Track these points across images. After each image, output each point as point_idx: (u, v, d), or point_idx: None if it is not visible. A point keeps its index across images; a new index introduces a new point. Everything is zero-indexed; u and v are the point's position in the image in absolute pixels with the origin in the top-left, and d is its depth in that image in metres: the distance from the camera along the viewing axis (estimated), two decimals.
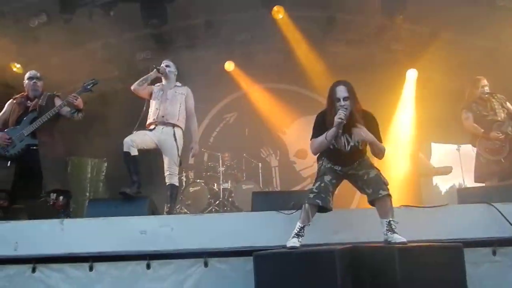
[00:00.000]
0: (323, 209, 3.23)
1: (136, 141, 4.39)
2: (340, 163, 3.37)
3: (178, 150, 4.58)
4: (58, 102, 4.60)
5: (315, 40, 7.46)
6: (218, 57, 7.92)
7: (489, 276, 3.26)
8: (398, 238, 2.95)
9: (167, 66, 4.83)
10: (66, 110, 4.53)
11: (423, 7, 6.42)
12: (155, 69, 4.72)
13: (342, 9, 6.92)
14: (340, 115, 3.14)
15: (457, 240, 3.16)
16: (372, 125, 3.30)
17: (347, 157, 3.33)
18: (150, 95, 4.78)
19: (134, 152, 4.37)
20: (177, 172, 4.65)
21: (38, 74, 4.68)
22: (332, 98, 3.28)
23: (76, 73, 7.08)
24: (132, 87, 4.75)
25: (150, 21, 6.65)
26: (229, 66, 8.15)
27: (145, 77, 4.75)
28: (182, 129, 4.72)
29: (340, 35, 7.29)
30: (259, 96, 8.48)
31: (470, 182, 5.87)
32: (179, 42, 7.40)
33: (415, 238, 3.17)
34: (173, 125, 4.61)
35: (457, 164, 6.65)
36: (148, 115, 4.72)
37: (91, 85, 4.63)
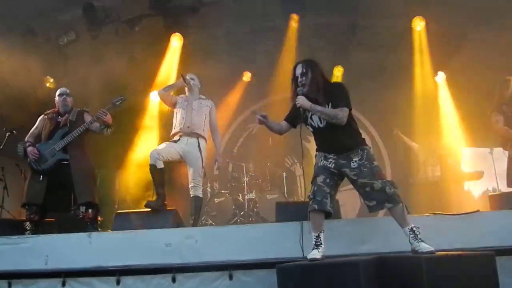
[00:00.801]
0: (327, 214, 3.17)
1: (162, 154, 4.46)
2: (330, 149, 3.27)
3: (202, 161, 4.61)
4: (87, 117, 4.75)
5: (337, 46, 7.41)
6: (241, 67, 7.99)
7: None
8: (425, 247, 2.86)
9: (191, 79, 4.94)
10: (95, 125, 4.66)
11: (449, 8, 6.28)
12: (181, 78, 4.84)
13: (363, 15, 6.86)
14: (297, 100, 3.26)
15: (489, 248, 3.03)
16: (337, 92, 3.27)
17: (332, 137, 3.24)
18: (174, 105, 4.88)
19: (160, 165, 4.44)
20: (201, 184, 4.67)
21: (68, 91, 4.87)
22: (292, 78, 3.38)
23: (103, 88, 7.30)
24: (157, 92, 4.93)
25: (173, 34, 6.81)
26: (246, 76, 8.24)
27: (171, 84, 4.94)
28: (206, 140, 4.78)
29: (363, 40, 7.21)
30: (281, 105, 8.45)
31: (504, 187, 5.66)
32: (203, 53, 7.50)
33: (444, 246, 3.10)
34: (198, 136, 4.67)
35: (490, 168, 6.43)
36: (174, 125, 4.80)
37: (120, 101, 4.73)
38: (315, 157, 3.41)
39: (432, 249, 2.84)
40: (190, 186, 4.60)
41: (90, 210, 4.52)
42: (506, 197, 4.02)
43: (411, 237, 2.97)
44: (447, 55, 7.06)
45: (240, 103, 8.44)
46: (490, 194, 5.29)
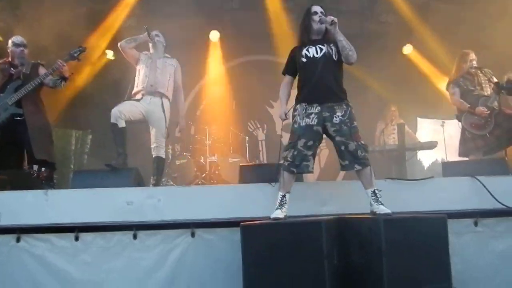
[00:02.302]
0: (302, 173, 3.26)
1: (124, 112, 4.31)
2: (316, 90, 3.22)
3: (166, 122, 4.51)
4: (42, 70, 4.49)
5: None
6: (206, 26, 7.75)
7: (471, 245, 3.37)
8: (383, 209, 2.98)
9: (156, 35, 4.75)
10: (49, 78, 4.41)
11: None
12: (146, 31, 4.62)
13: None
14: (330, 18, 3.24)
15: (442, 211, 3.20)
16: None
17: (323, 72, 3.23)
18: (136, 61, 4.69)
19: (122, 124, 4.29)
20: (164, 145, 4.59)
21: (25, 41, 4.51)
22: (308, 14, 3.38)
23: (60, 40, 6.87)
24: (119, 44, 4.66)
25: None
26: (214, 36, 7.95)
27: (134, 37, 4.68)
28: (169, 101, 4.64)
29: (330, 4, 7.15)
30: (247, 68, 8.36)
31: (452, 158, 5.95)
32: (166, 9, 7.20)
33: (401, 210, 3.21)
34: (162, 95, 4.53)
35: (440, 140, 6.73)
36: (136, 83, 4.62)
37: (78, 53, 4.45)
38: (294, 112, 3.34)
39: (389, 211, 2.96)
40: (152, 146, 4.52)
41: (43, 169, 4.34)
42: (458, 165, 4.23)
43: (372, 199, 3.08)
44: (412, 25, 7.17)
45: (204, 64, 8.26)
46: (442, 162, 5.56)
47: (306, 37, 3.41)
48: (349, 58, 3.26)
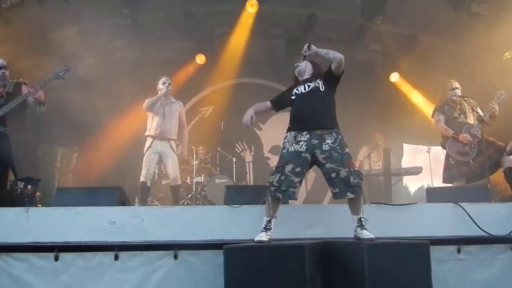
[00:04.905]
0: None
1: (150, 171, 5.34)
2: (306, 120, 3.27)
3: (177, 156, 5.56)
4: (25, 89, 4.44)
5: (295, 36, 7.48)
6: (197, 49, 7.85)
7: (453, 273, 3.36)
8: (366, 234, 2.98)
9: (163, 83, 5.45)
10: (31, 100, 4.39)
11: (403, 11, 6.54)
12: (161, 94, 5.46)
13: (323, 8, 7.00)
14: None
15: (425, 237, 3.21)
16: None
17: (312, 104, 3.30)
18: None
19: (150, 182, 5.45)
20: (179, 174, 5.53)
21: (5, 63, 4.46)
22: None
23: (50, 59, 6.88)
24: (144, 107, 5.47)
25: (128, 7, 6.55)
26: (200, 59, 8.04)
27: (154, 99, 5.44)
28: (175, 141, 5.59)
29: (320, 33, 7.32)
30: (236, 90, 8.44)
31: (438, 184, 6.01)
32: (158, 31, 7.29)
33: (384, 235, 3.21)
34: (169, 140, 5.44)
35: (426, 166, 6.80)
36: (148, 127, 5.47)
37: (63, 72, 4.48)
38: (284, 139, 3.35)
39: (373, 236, 2.96)
40: (170, 178, 5.45)
41: (29, 186, 4.27)
42: (442, 191, 4.27)
43: (357, 225, 3.07)
44: (397, 54, 7.35)
45: (192, 85, 8.30)
46: (426, 188, 5.61)
47: (296, 81, 3.61)
48: (336, 58, 3.28)
